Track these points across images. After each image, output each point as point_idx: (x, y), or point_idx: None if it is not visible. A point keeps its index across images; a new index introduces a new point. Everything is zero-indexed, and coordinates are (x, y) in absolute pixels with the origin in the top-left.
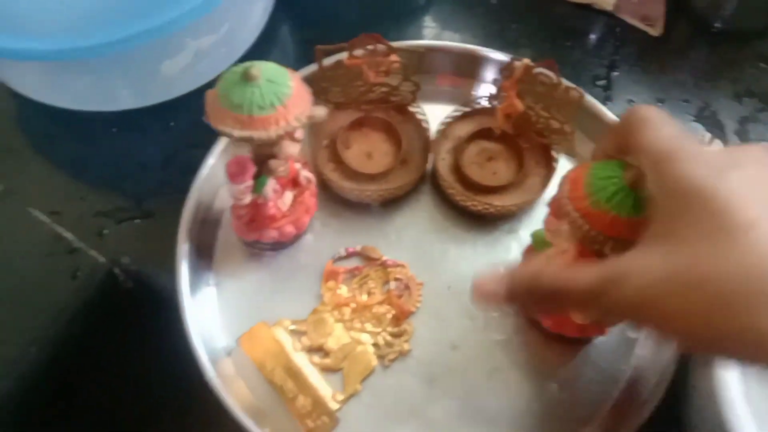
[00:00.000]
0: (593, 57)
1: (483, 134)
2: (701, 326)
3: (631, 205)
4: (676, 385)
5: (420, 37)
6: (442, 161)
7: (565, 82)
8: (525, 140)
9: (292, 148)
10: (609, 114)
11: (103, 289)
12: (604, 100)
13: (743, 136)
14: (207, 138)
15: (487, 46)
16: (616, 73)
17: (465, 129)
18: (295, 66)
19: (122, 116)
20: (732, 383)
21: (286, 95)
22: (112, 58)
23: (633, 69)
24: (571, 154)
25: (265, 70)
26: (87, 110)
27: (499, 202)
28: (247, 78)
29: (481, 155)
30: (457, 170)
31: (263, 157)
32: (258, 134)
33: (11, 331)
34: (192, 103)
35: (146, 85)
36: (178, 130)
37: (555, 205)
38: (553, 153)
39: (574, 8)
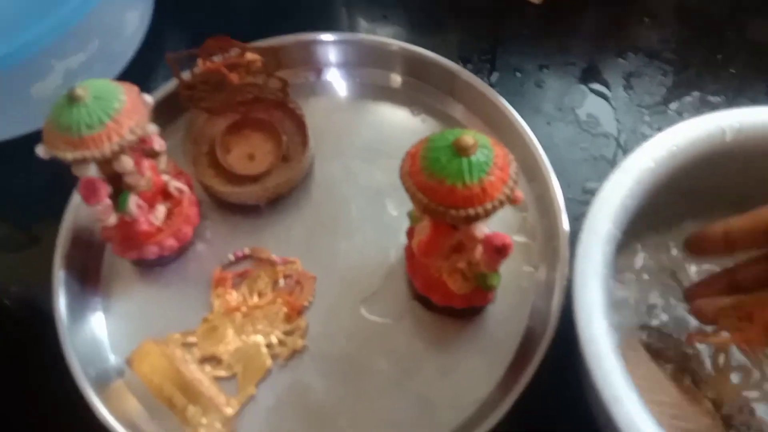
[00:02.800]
0: (477, 32)
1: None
2: None
3: (465, 172)
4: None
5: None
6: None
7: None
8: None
9: (127, 163)
10: (484, 85)
11: None
12: (490, 72)
13: (629, 91)
14: None
15: (365, 32)
16: (501, 47)
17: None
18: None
19: (3, 146)
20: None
21: (115, 110)
22: None
23: (517, 39)
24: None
25: (93, 88)
26: None
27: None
28: (72, 99)
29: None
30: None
31: (115, 175)
32: (90, 153)
33: None
34: None
35: (20, 112)
36: None
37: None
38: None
39: None
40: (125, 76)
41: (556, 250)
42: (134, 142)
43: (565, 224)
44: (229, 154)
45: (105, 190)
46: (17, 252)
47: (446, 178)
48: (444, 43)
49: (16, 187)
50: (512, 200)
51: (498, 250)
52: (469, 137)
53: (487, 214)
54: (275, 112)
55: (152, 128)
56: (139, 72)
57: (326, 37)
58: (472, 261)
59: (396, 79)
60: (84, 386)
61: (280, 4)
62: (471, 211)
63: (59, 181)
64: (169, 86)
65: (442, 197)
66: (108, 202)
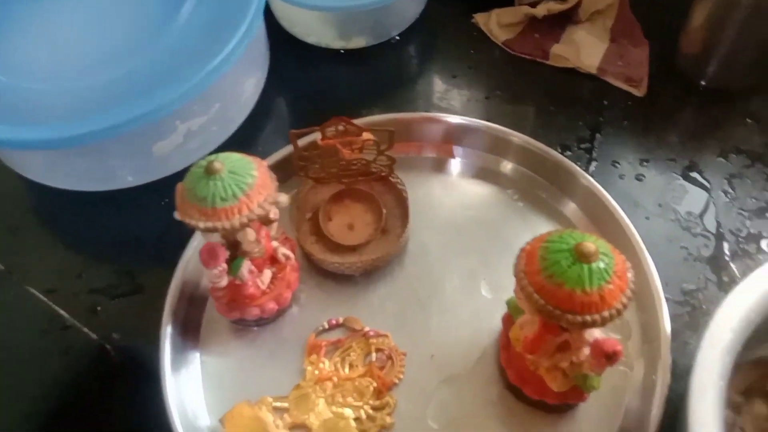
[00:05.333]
0: (578, 120)
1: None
2: None
3: (585, 279)
4: None
5: (408, 107)
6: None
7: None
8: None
9: (250, 235)
10: (585, 175)
11: (94, 364)
12: (588, 162)
13: (729, 194)
14: None
15: (470, 114)
16: (600, 135)
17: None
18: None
19: (119, 194)
20: None
21: (248, 185)
22: (107, 142)
23: (618, 131)
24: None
25: (228, 162)
26: (86, 190)
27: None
28: (209, 172)
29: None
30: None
31: (234, 240)
32: (221, 224)
33: (5, 406)
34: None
35: (140, 165)
36: (171, 206)
37: (515, 275)
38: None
39: (559, 72)
40: (235, 137)
41: (656, 351)
42: (263, 216)
43: (667, 325)
44: (330, 222)
45: (224, 255)
46: (120, 299)
47: (566, 283)
48: (543, 129)
49: (124, 234)
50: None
51: (608, 357)
52: (591, 244)
53: (604, 322)
54: (377, 185)
55: (284, 198)
56: (247, 136)
57: (437, 117)
58: (575, 361)
59: (499, 162)
60: None
61: (383, 83)
62: (588, 318)
63: (166, 232)
64: (279, 153)
65: (559, 301)
66: (224, 266)
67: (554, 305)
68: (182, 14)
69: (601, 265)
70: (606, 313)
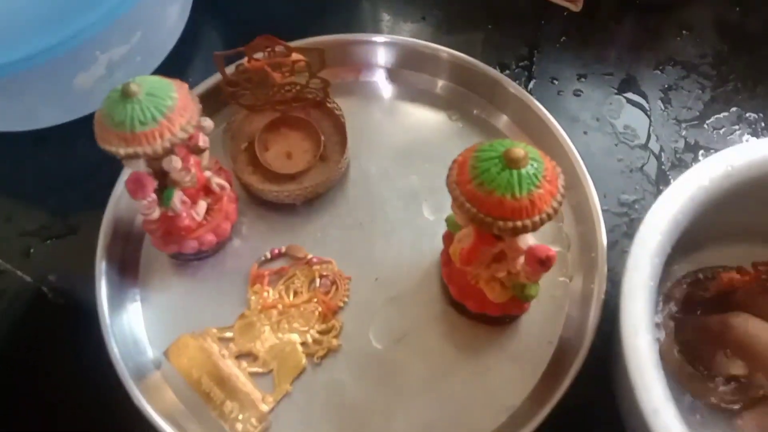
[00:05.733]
0: (516, 38)
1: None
2: None
3: (515, 185)
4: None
5: (343, 32)
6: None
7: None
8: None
9: (176, 161)
10: (521, 90)
11: (31, 307)
12: (528, 80)
13: (667, 104)
14: None
15: (405, 33)
16: (538, 53)
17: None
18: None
19: (44, 133)
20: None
21: (168, 107)
22: (23, 77)
23: (556, 47)
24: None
25: (146, 84)
26: (9, 130)
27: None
28: (126, 94)
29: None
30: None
31: (162, 170)
32: (143, 149)
33: None
34: None
35: (62, 101)
36: None
37: (448, 186)
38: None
39: None
40: (162, 68)
41: (593, 261)
42: (185, 139)
43: (604, 236)
44: (268, 152)
45: (152, 185)
46: (54, 240)
47: (496, 190)
48: (481, 47)
49: (53, 175)
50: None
51: (541, 262)
52: (519, 149)
53: (535, 227)
54: (314, 111)
55: (208, 122)
56: (175, 65)
57: (369, 38)
58: (512, 271)
59: (436, 83)
60: (126, 378)
61: (315, 4)
62: (519, 224)
63: (97, 171)
64: (208, 82)
65: (490, 208)
66: (154, 197)
67: (485, 212)
68: None
69: (530, 170)
70: (537, 218)
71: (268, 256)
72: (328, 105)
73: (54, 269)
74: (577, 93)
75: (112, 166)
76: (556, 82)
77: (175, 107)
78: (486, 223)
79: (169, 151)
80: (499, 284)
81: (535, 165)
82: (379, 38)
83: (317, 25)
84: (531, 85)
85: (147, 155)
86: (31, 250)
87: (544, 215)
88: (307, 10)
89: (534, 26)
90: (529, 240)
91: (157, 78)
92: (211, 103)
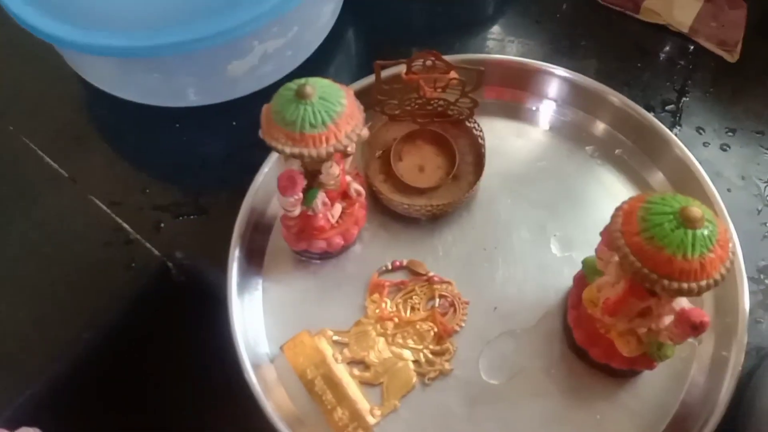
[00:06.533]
0: (664, 80)
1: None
2: None
3: (688, 245)
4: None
5: (485, 48)
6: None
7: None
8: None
9: (334, 167)
10: (675, 140)
11: (156, 281)
12: (672, 126)
13: None
14: None
15: (553, 61)
16: (686, 99)
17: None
18: (358, 70)
19: (187, 112)
20: None
21: (338, 113)
22: (182, 57)
23: (705, 95)
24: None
25: (319, 87)
26: (154, 105)
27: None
28: (300, 96)
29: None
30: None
31: (314, 170)
32: (309, 151)
33: (67, 314)
34: (255, 103)
35: (212, 84)
36: (240, 129)
37: (607, 236)
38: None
39: (648, 27)
40: (308, 64)
41: (729, 327)
42: (347, 147)
43: (747, 302)
44: (401, 162)
45: (302, 184)
46: (184, 218)
47: (667, 247)
48: (629, 86)
49: (189, 153)
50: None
51: (694, 327)
52: (698, 209)
53: (701, 291)
54: (452, 128)
55: (365, 132)
56: (320, 62)
57: (523, 63)
58: (653, 328)
59: (578, 115)
60: (247, 368)
61: (459, 21)
62: (685, 286)
63: (232, 156)
64: (356, 85)
65: (657, 265)
66: (300, 195)
67: (651, 268)
68: None
69: (705, 232)
70: (704, 283)
71: (389, 266)
72: (468, 124)
73: (182, 246)
74: (724, 147)
75: (248, 153)
76: (702, 132)
77: (344, 113)
78: (649, 280)
79: (330, 156)
80: (635, 339)
81: (710, 227)
82: (531, 63)
83: (460, 42)
84: (676, 132)
85: (311, 157)
86: (162, 225)
87: (711, 281)
88: (450, 24)
89: (685, 71)
90: (683, 301)
91: (329, 82)
92: None
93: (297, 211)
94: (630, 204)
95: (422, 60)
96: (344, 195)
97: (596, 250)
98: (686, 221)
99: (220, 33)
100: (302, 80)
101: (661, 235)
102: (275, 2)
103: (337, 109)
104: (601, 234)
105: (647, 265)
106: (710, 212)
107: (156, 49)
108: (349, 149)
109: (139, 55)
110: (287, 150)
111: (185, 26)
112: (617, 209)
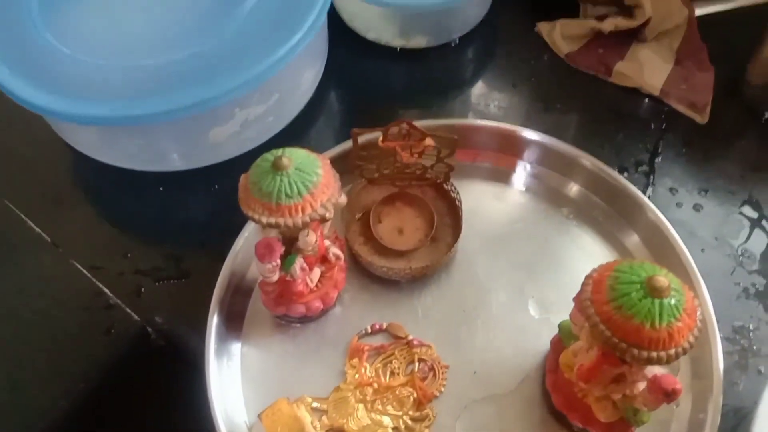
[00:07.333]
0: (637, 141)
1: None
2: None
3: (656, 314)
4: None
5: (462, 109)
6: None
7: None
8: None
9: (311, 236)
10: (648, 203)
11: (134, 346)
12: (645, 187)
13: None
14: None
15: (529, 123)
16: (659, 159)
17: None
18: (339, 133)
19: (169, 175)
20: None
21: (314, 183)
22: (164, 124)
23: (677, 156)
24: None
25: (296, 158)
26: (137, 169)
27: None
28: (276, 167)
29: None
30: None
31: (291, 237)
32: (284, 221)
33: (44, 380)
34: (236, 167)
35: (194, 150)
36: (222, 192)
37: (578, 303)
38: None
39: (621, 91)
40: (288, 129)
41: (706, 388)
42: (324, 215)
43: (721, 364)
44: (380, 224)
45: (280, 251)
46: (165, 282)
47: (635, 316)
48: (602, 147)
49: (171, 216)
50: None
51: (666, 394)
52: (663, 278)
53: (670, 360)
54: (429, 190)
55: (343, 198)
56: (301, 127)
57: (498, 126)
58: (628, 394)
59: (554, 178)
60: None
61: (440, 84)
62: (654, 354)
63: (215, 219)
64: (334, 150)
65: (626, 334)
66: (278, 262)
67: (620, 338)
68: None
69: (672, 301)
70: (672, 351)
71: (369, 330)
72: (445, 187)
73: (161, 311)
74: (696, 207)
75: (230, 216)
76: (675, 192)
77: (320, 183)
78: (619, 349)
79: (307, 225)
80: (611, 404)
81: (677, 296)
82: (505, 127)
83: (438, 104)
84: (649, 192)
85: (287, 226)
86: (142, 290)
87: (680, 349)
88: (428, 87)
89: (657, 132)
90: (655, 368)
91: (305, 153)
92: None
93: (275, 277)
94: (599, 272)
95: (398, 128)
96: (323, 259)
97: (570, 315)
98: (653, 291)
99: (201, 102)
100: (278, 151)
101: (629, 305)
102: (257, 73)
103: (312, 179)
104: (574, 300)
105: (617, 334)
106: (677, 281)
107: (138, 119)
108: (327, 215)
109: (121, 123)
110: (264, 220)
111: (166, 95)
112: (587, 277)
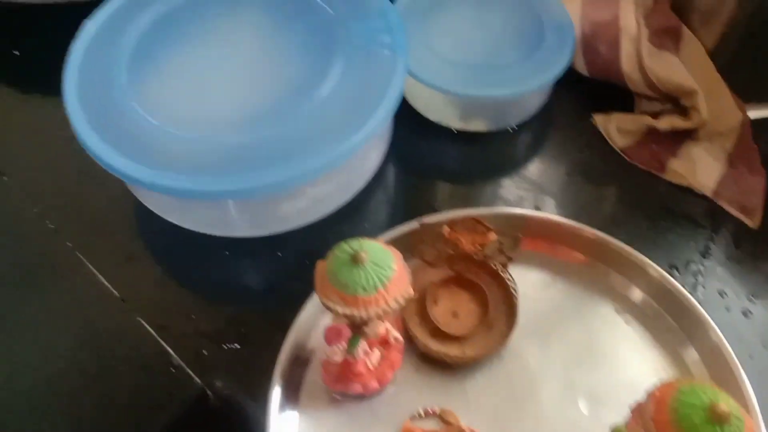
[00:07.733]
0: (688, 240)
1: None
2: None
3: None
4: None
5: (518, 196)
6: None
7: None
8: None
9: (381, 328)
10: (694, 302)
11: (194, 409)
12: (694, 287)
13: None
14: (310, 273)
15: (581, 218)
16: (709, 261)
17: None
18: (395, 207)
19: (235, 241)
20: None
21: (388, 278)
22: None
23: (728, 259)
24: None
25: (372, 252)
26: (202, 232)
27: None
28: (355, 261)
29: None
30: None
31: (357, 323)
32: (359, 313)
33: None
34: (301, 237)
35: (263, 221)
36: (285, 261)
37: (637, 414)
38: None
39: (673, 187)
40: (351, 202)
41: None
42: (395, 309)
43: None
44: (435, 306)
45: (347, 336)
46: (226, 345)
47: None
48: (655, 245)
49: (235, 280)
50: None
51: None
52: (725, 406)
53: None
54: (485, 276)
55: (410, 291)
56: (359, 202)
57: (560, 223)
58: None
59: (608, 274)
60: None
61: (495, 169)
62: None
63: (277, 286)
64: (395, 231)
65: None
66: (344, 345)
67: None
68: (328, 82)
69: (733, 428)
70: None
71: (422, 413)
72: (502, 275)
73: (222, 375)
74: (746, 313)
75: (289, 286)
76: (725, 295)
77: (393, 278)
78: None
79: (379, 317)
80: None
81: (737, 424)
82: (564, 223)
83: (491, 189)
84: (698, 294)
85: (361, 317)
86: (204, 352)
87: None
88: (484, 171)
89: (708, 232)
90: None
91: (380, 247)
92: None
93: (339, 357)
94: (661, 390)
95: (465, 223)
96: (383, 341)
97: (627, 426)
98: (714, 417)
99: (279, 183)
100: (356, 244)
101: (690, 427)
102: (332, 156)
103: (388, 274)
104: (632, 411)
105: None
106: (737, 407)
107: (217, 194)
108: (397, 308)
109: (201, 198)
110: (339, 310)
111: (246, 174)
112: (649, 395)
